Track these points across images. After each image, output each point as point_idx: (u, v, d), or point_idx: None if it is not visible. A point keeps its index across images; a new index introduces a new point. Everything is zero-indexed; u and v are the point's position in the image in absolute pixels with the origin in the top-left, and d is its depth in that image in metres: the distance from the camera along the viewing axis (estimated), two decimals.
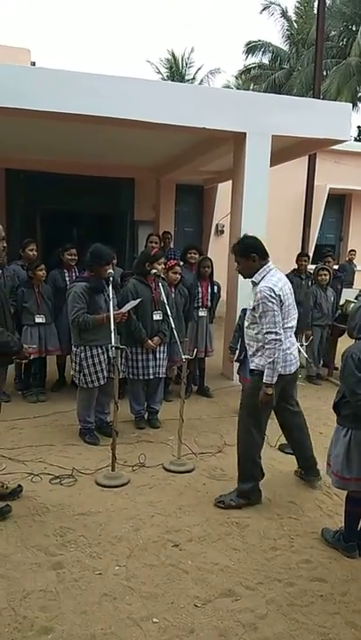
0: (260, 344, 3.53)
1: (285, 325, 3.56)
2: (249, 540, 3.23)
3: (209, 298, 6.03)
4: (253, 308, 3.56)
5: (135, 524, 3.35)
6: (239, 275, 3.85)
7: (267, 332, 3.45)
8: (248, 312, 3.70)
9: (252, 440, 3.64)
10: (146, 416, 5.11)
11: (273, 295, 3.44)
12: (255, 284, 3.58)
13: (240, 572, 2.92)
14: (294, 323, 3.72)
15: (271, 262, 3.65)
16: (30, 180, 10.39)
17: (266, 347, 3.46)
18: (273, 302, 3.43)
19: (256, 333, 3.57)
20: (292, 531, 3.37)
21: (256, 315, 3.53)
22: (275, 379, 3.47)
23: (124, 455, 4.26)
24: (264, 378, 3.48)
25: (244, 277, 3.74)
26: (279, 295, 3.48)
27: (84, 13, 54.71)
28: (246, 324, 3.70)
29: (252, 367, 3.67)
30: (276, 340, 3.43)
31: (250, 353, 3.70)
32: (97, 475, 3.95)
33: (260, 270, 3.58)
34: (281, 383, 3.62)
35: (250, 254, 3.58)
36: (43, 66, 10.70)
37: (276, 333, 3.43)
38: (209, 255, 6.74)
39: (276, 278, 3.55)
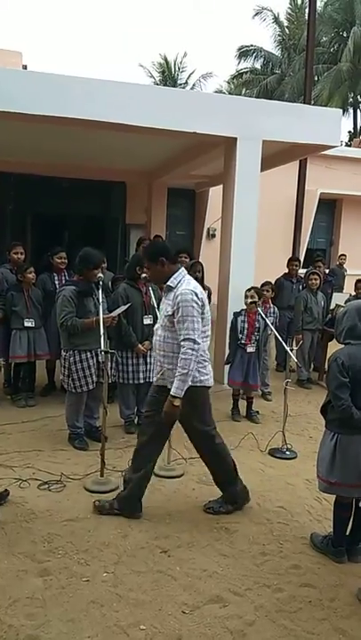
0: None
1: (205, 335, 3.39)
2: (238, 546, 3.22)
3: None
4: (172, 314, 3.29)
5: (123, 530, 3.32)
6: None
7: (184, 339, 3.21)
8: (163, 319, 3.41)
9: (220, 447, 3.60)
10: (136, 420, 5.09)
11: (196, 299, 3.28)
12: (171, 289, 3.38)
13: (229, 577, 2.91)
14: (209, 333, 3.53)
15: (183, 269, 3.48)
16: (20, 183, 10.34)
17: (181, 356, 3.22)
18: (194, 307, 3.26)
19: (175, 343, 3.30)
20: (281, 536, 3.36)
21: (175, 320, 3.28)
22: (183, 392, 3.22)
23: (114, 460, 4.24)
24: (173, 390, 3.22)
25: (156, 283, 3.55)
26: (202, 299, 3.35)
27: (77, 17, 54.79)
28: (162, 333, 3.40)
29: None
30: (193, 349, 3.19)
31: (168, 367, 3.36)
32: (86, 480, 3.92)
33: (175, 274, 3.40)
34: (206, 395, 3.50)
35: (158, 259, 3.39)
36: (34, 69, 10.72)
37: (195, 342, 3.21)
38: (201, 259, 6.77)
39: (195, 283, 3.41)
